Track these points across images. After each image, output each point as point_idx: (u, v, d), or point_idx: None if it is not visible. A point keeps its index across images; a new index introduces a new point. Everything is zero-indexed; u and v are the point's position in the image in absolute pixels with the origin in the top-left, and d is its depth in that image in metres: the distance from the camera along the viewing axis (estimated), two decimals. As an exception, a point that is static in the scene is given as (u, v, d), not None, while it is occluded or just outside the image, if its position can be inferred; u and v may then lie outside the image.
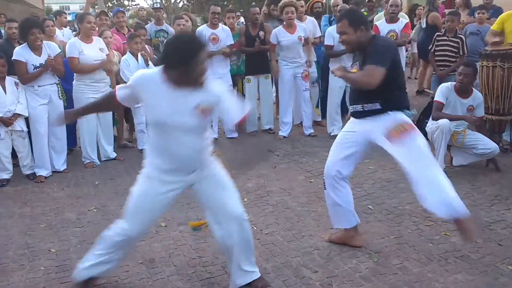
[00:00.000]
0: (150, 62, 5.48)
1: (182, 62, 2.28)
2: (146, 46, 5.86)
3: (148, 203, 2.52)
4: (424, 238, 3.25)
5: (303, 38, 5.80)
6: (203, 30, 5.93)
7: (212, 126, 6.03)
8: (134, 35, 5.55)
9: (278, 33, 5.85)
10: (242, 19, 10.15)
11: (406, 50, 8.04)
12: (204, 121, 2.46)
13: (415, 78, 9.09)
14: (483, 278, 2.74)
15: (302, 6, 6.24)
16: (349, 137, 3.05)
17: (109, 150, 5.34)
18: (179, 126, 2.39)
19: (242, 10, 12.47)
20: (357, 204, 3.84)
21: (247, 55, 6.10)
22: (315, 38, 6.18)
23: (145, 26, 6.68)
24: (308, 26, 6.11)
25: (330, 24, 6.40)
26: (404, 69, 7.74)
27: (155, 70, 2.44)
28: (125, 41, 5.86)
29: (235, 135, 6.09)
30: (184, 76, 2.34)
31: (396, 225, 3.46)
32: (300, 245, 3.22)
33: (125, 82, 5.43)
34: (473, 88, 4.56)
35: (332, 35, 5.76)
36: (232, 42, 5.95)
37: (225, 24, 6.26)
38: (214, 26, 5.91)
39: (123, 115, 5.90)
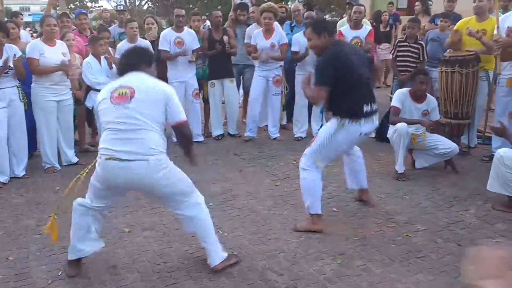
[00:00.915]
0: (113, 65, 5.38)
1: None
2: (110, 48, 5.76)
3: None
4: (386, 240, 3.31)
5: (276, 45, 5.81)
6: (168, 33, 5.87)
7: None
8: (97, 37, 5.45)
9: (255, 36, 5.87)
10: (208, 23, 10.12)
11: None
12: None
13: (387, 85, 9.22)
14: (443, 277, 2.82)
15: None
16: None
17: (70, 155, 5.19)
18: None
19: (207, 14, 12.43)
20: (323, 207, 3.90)
21: (210, 59, 6.07)
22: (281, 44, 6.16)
23: (109, 29, 6.58)
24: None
25: (292, 30, 6.46)
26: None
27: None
28: (87, 43, 5.74)
29: (201, 138, 6.06)
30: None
31: (359, 227, 3.52)
32: (266, 248, 3.22)
33: (87, 85, 5.39)
34: (427, 94, 4.70)
35: (298, 41, 5.84)
36: (198, 46, 5.92)
37: (190, 27, 6.22)
38: (179, 29, 5.86)
39: (85, 118, 5.76)
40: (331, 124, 3.42)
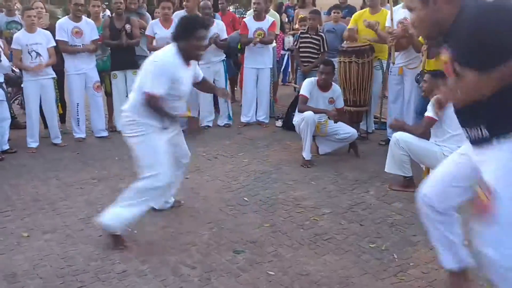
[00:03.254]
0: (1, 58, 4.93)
1: (189, 35, 3.00)
2: (-1, 40, 5.29)
3: (162, 146, 3.12)
4: (295, 225, 3.42)
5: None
6: (65, 22, 5.50)
7: (79, 125, 5.68)
8: None
9: (154, 25, 5.80)
10: (108, 12, 9.65)
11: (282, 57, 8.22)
12: None
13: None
14: (348, 257, 2.98)
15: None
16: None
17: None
18: (184, 95, 3.22)
19: (107, 3, 11.86)
20: (234, 197, 3.94)
21: (112, 49, 5.80)
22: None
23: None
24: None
25: None
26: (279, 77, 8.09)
27: (169, 51, 3.06)
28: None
29: (105, 133, 5.81)
30: (192, 49, 3.04)
31: (270, 214, 3.60)
32: (178, 242, 3.17)
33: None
34: (332, 82, 4.94)
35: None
36: (97, 37, 5.62)
37: (89, 14, 5.88)
38: (77, 18, 5.51)
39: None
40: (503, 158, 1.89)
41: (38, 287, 2.67)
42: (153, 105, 2.99)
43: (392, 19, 4.88)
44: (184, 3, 6.23)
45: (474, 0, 1.89)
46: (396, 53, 4.89)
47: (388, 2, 5.20)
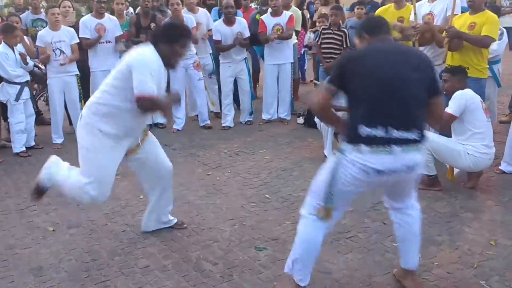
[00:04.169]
0: (28, 59, 5.03)
1: (174, 40, 2.78)
2: (25, 37, 5.39)
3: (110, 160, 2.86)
4: (317, 222, 3.39)
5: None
6: (88, 20, 5.59)
7: None
8: (14, 27, 5.05)
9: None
10: (131, 9, 9.76)
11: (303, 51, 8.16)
12: None
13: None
14: (371, 255, 2.94)
15: None
16: None
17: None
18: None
19: (130, 0, 11.97)
20: (255, 194, 3.94)
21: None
22: (208, 30, 6.11)
23: (21, 15, 6.12)
24: (200, 17, 6.04)
25: (219, 17, 6.41)
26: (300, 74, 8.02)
27: (151, 52, 2.78)
28: (-1, 32, 5.31)
29: None
30: (174, 54, 2.82)
31: (291, 212, 3.58)
32: (200, 238, 3.19)
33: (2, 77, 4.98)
34: None
35: (219, 30, 5.80)
36: (121, 33, 5.69)
37: (112, 11, 5.95)
38: (100, 15, 5.59)
39: (0, 112, 5.35)
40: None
41: (63, 280, 2.72)
42: (146, 107, 2.72)
43: (415, 13, 4.78)
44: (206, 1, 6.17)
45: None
46: (420, 48, 4.80)
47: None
